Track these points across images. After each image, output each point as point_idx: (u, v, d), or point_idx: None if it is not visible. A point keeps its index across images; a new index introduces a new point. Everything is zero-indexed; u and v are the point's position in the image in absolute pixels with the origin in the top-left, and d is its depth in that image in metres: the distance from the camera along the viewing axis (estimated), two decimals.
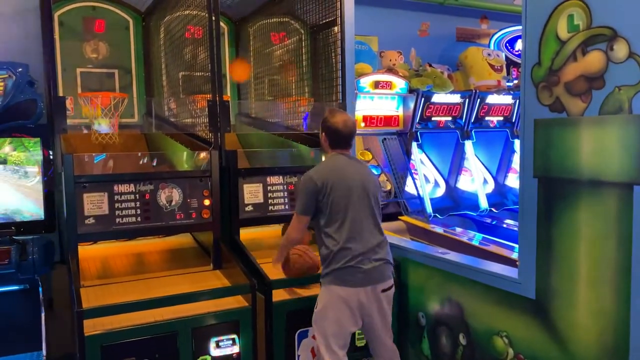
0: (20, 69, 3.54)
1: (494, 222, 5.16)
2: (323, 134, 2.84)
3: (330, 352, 2.69)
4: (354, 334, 2.94)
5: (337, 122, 2.77)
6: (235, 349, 2.80)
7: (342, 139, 2.80)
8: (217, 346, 2.76)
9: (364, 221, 2.71)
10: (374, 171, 5.12)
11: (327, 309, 2.70)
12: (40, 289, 3.39)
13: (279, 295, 2.95)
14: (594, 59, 2.15)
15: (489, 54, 5.71)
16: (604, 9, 2.12)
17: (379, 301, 2.72)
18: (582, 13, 2.19)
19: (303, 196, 2.73)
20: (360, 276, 2.64)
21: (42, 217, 3.58)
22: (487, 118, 5.78)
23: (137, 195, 3.09)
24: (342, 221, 2.67)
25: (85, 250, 3.40)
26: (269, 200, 3.50)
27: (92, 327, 2.52)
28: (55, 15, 4.11)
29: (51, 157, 3.67)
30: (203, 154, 3.34)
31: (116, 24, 4.37)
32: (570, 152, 2.26)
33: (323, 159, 3.66)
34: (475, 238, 4.55)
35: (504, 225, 5.03)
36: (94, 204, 2.98)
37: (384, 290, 2.74)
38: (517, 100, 5.76)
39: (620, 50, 2.05)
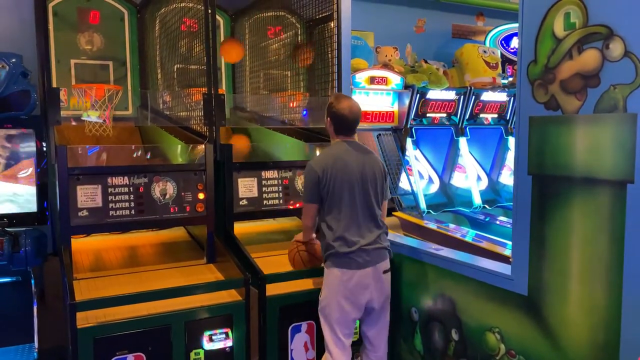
0: (13, 60, 3.51)
1: (487, 219, 5.18)
2: (328, 119, 2.86)
3: (336, 341, 2.71)
4: None
5: (343, 108, 2.80)
6: (229, 343, 2.80)
7: (347, 124, 2.83)
8: (210, 340, 2.76)
9: (362, 209, 2.74)
10: None
11: (332, 294, 2.73)
12: (32, 281, 3.38)
13: (272, 289, 2.95)
14: (589, 57, 2.16)
15: (484, 51, 5.72)
16: (601, 7, 2.12)
17: (381, 283, 2.77)
18: (578, 11, 2.19)
19: (307, 185, 2.80)
20: (362, 259, 2.69)
21: (35, 209, 3.56)
22: (481, 115, 5.80)
23: (131, 188, 3.08)
24: (340, 209, 2.71)
25: (78, 243, 3.39)
26: (264, 195, 3.50)
27: (85, 319, 2.52)
28: (50, 6, 4.08)
29: (44, 148, 3.65)
30: (198, 148, 3.33)
31: (111, 15, 4.35)
32: (564, 150, 2.27)
33: (318, 153, 3.67)
34: (468, 234, 4.56)
35: (497, 222, 5.05)
36: (87, 196, 2.96)
37: (384, 272, 2.79)
38: (512, 98, 5.78)
39: (615, 49, 2.06)
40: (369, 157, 2.88)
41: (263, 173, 3.51)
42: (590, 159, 2.18)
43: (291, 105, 4.15)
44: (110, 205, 3.02)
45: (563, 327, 2.31)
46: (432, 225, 4.73)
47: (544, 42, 2.34)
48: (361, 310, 2.77)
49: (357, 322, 2.90)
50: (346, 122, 2.82)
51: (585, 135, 2.20)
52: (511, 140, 5.78)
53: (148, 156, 3.48)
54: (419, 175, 5.33)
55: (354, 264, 2.68)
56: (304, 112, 4.09)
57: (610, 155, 2.10)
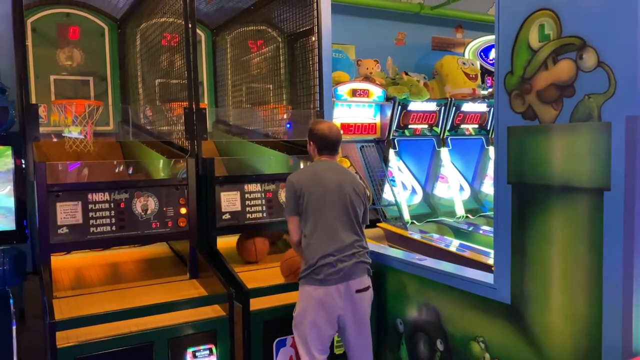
0: None
1: (470, 229, 5.22)
2: (311, 142, 2.91)
3: (310, 357, 2.69)
4: (332, 341, 2.94)
5: (322, 129, 2.87)
6: (213, 359, 2.77)
7: (328, 144, 2.88)
8: (194, 356, 2.72)
9: (337, 223, 2.73)
10: None
11: (304, 311, 2.71)
12: (11, 301, 3.30)
13: (256, 303, 2.92)
14: (564, 68, 2.21)
15: (464, 63, 5.80)
16: (574, 19, 2.17)
17: (353, 302, 2.72)
18: (552, 23, 2.24)
19: (286, 199, 2.85)
20: (332, 275, 2.67)
21: (14, 227, 3.50)
22: (462, 126, 5.87)
23: (112, 204, 3.04)
24: (315, 223, 2.72)
25: (59, 261, 3.34)
26: (247, 209, 3.48)
27: (65, 339, 2.47)
28: (28, 22, 4.04)
29: (23, 165, 3.60)
30: (179, 162, 3.31)
31: (91, 30, 4.33)
32: (542, 159, 2.30)
33: (301, 165, 3.67)
34: (452, 244, 4.59)
35: (480, 232, 5.09)
36: (67, 213, 2.92)
37: (358, 291, 2.74)
38: (492, 108, 5.86)
39: (589, 59, 2.11)
40: (349, 176, 2.90)
41: (246, 186, 3.49)
42: (568, 167, 2.22)
43: (274, 118, 4.15)
44: (91, 222, 2.98)
45: (546, 335, 2.33)
46: (416, 236, 4.75)
47: (519, 53, 2.39)
48: (334, 326, 2.74)
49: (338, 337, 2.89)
50: (327, 141, 2.86)
51: (562, 144, 2.24)
52: (492, 150, 5.85)
53: (129, 172, 3.45)
54: (402, 186, 5.36)
55: (324, 280, 2.67)
56: (287, 125, 4.10)
57: (586, 163, 2.14)
